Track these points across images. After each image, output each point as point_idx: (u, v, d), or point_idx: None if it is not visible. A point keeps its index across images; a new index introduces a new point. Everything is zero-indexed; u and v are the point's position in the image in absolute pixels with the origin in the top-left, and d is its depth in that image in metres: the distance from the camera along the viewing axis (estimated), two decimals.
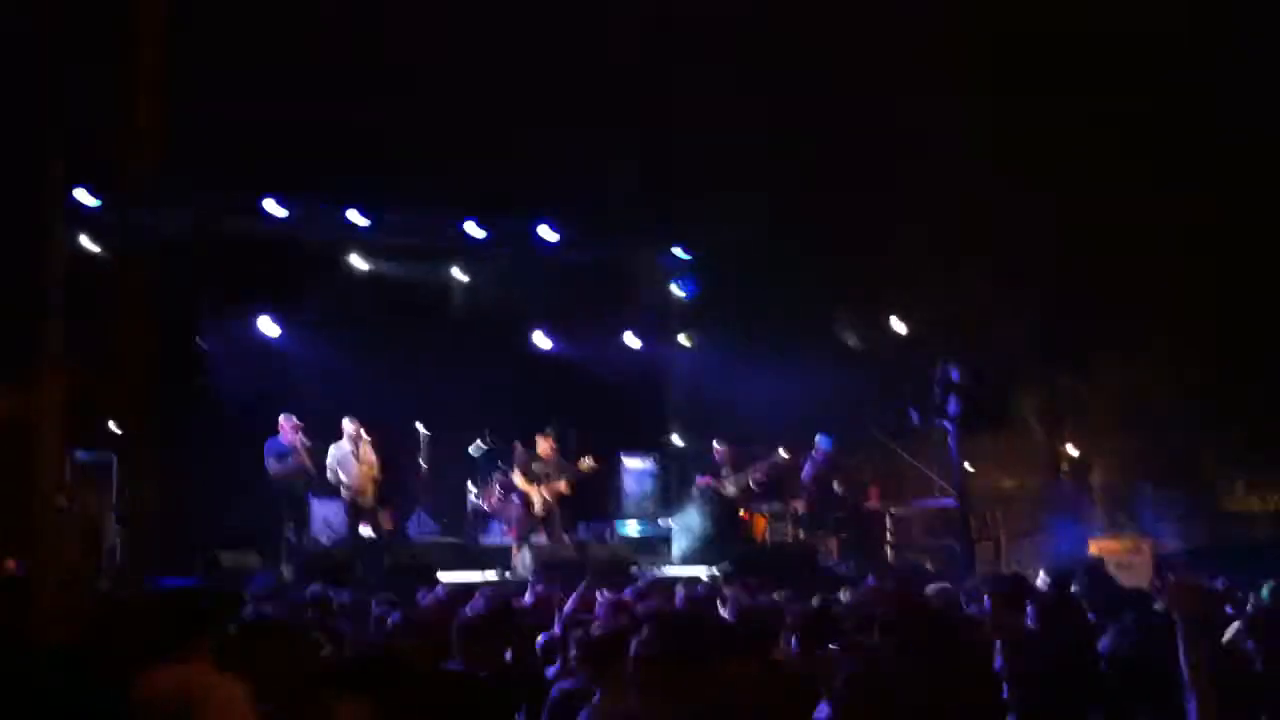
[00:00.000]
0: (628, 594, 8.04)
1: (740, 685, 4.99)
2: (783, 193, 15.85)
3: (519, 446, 15.25)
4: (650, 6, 14.71)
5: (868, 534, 16.44)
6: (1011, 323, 14.73)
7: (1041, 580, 7.61)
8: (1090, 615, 6.34)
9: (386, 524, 14.68)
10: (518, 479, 14.57)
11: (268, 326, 16.10)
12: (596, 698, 4.93)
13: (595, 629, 5.52)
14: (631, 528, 16.82)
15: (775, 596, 7.84)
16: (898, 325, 15.08)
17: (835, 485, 16.03)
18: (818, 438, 15.96)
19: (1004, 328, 14.61)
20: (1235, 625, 6.48)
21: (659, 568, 14.92)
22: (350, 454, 13.95)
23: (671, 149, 16.07)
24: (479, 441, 15.64)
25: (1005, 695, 4.12)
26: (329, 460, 13.96)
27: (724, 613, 7.36)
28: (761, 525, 16.58)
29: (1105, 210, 15.09)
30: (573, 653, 5.55)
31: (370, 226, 16.62)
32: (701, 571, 13.95)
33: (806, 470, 15.95)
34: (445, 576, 12.15)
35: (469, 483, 16.38)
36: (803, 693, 4.94)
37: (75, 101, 6.64)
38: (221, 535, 13.29)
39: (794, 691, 4.90)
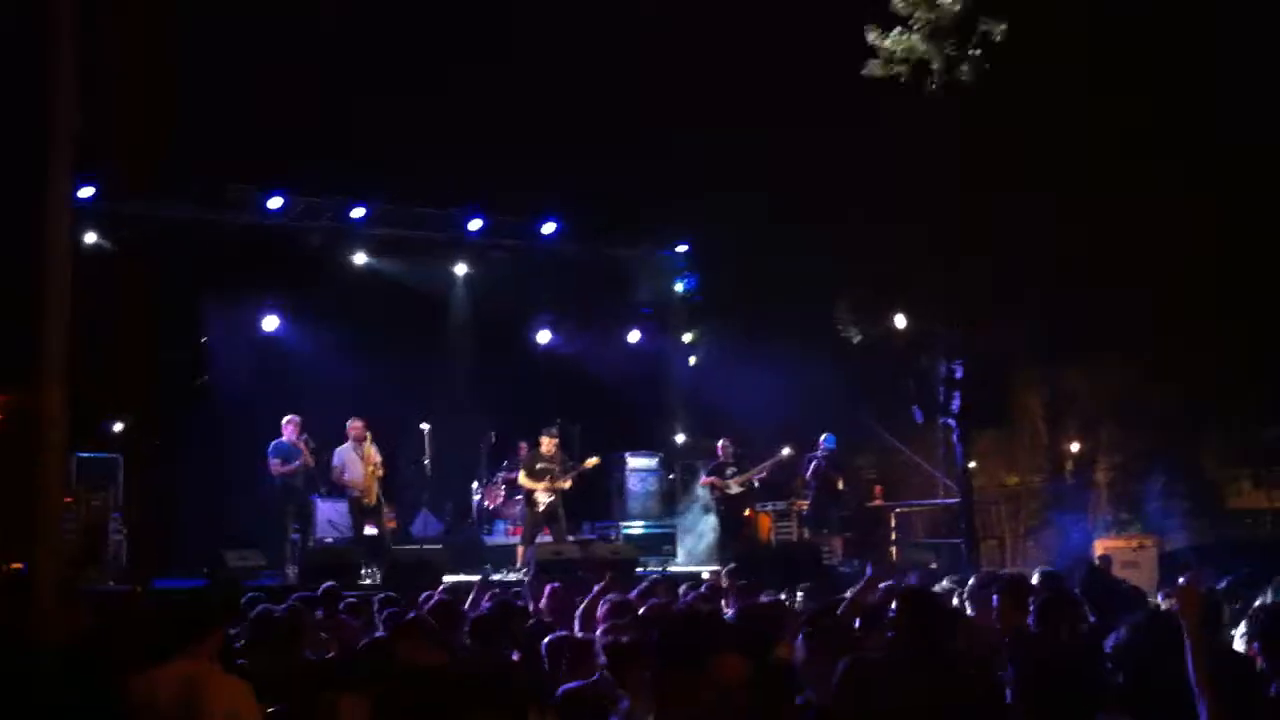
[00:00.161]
0: (632, 595, 8.02)
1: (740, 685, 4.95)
2: (782, 193, 15.83)
3: (523, 445, 15.26)
4: (650, 6, 14.71)
5: (871, 532, 16.44)
6: (1012, 323, 14.71)
7: (1036, 579, 7.56)
8: (1091, 617, 6.33)
9: (390, 523, 14.68)
10: (522, 478, 14.56)
11: (270, 324, 16.12)
12: (624, 704, 4.86)
13: (620, 634, 5.49)
14: (635, 527, 16.82)
15: (783, 597, 7.82)
16: (900, 323, 15.06)
17: (839, 484, 16.02)
18: (821, 436, 15.95)
19: (1004, 328, 14.59)
20: (1241, 624, 6.46)
21: (663, 567, 14.92)
22: (354, 454, 13.95)
23: (672, 149, 16.06)
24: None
25: (1007, 696, 4.10)
26: (333, 460, 13.96)
27: (727, 612, 7.34)
28: (766, 524, 16.57)
29: (1105, 210, 15.07)
30: (601, 660, 5.52)
31: (374, 222, 16.62)
32: (705, 571, 13.92)
33: (810, 469, 15.94)
34: (449, 576, 12.15)
35: (473, 482, 16.41)
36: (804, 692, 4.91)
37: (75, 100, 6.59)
38: (225, 535, 13.32)
39: (795, 691, 4.87)
